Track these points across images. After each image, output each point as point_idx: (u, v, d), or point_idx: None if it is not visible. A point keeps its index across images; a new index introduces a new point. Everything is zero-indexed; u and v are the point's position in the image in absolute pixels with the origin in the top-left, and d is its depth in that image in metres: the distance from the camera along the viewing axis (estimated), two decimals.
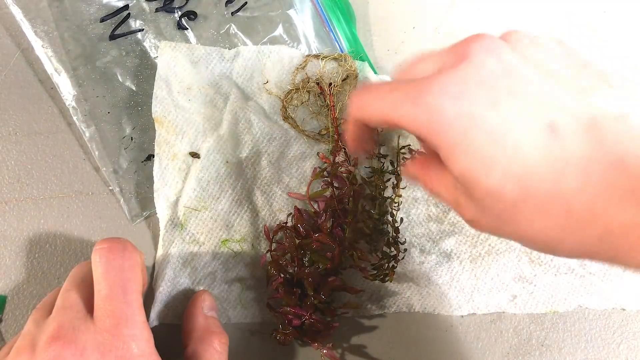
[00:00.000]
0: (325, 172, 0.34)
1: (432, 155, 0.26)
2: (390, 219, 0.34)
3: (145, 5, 0.38)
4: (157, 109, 0.35)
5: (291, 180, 0.36)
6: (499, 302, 0.35)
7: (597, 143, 0.20)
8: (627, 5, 0.40)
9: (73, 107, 0.36)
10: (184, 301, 0.33)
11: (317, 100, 0.36)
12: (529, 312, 0.35)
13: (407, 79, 0.25)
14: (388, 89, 0.24)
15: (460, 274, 0.35)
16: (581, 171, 0.20)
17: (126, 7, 0.37)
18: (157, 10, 0.38)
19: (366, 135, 0.29)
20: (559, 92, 0.21)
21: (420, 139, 0.26)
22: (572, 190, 0.20)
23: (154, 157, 0.35)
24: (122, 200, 0.36)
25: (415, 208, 0.36)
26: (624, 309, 0.35)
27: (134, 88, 0.37)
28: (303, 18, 0.38)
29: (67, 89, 0.36)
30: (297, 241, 0.33)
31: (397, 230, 0.34)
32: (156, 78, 0.36)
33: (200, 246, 0.35)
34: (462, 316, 0.35)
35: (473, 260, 0.35)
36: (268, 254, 0.33)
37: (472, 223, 0.24)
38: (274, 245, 0.33)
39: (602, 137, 0.20)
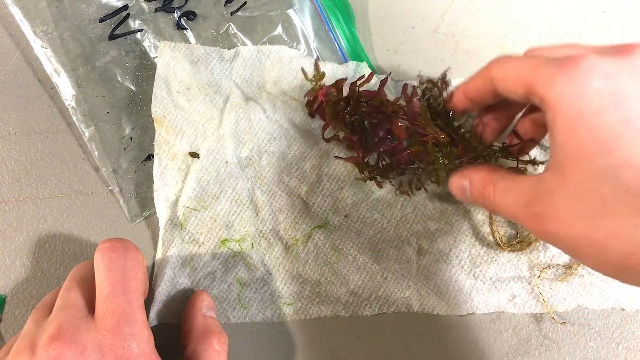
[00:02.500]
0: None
1: (499, 169, 0.26)
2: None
3: (144, 5, 0.38)
4: (156, 109, 0.35)
5: (291, 180, 0.36)
6: (498, 302, 0.35)
7: None
8: (627, 5, 0.40)
9: (72, 107, 0.36)
10: (184, 301, 0.33)
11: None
12: (529, 312, 0.35)
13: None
14: (534, 60, 0.24)
15: (459, 274, 0.35)
16: None
17: (125, 7, 0.37)
18: (156, 10, 0.38)
19: (480, 100, 0.29)
20: None
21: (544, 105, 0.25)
22: None
23: (153, 157, 0.35)
24: (121, 200, 0.36)
25: (412, 206, 0.36)
26: (623, 309, 0.35)
27: (133, 88, 0.37)
28: (302, 18, 0.38)
29: (66, 89, 0.36)
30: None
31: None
32: (156, 78, 0.36)
33: (200, 246, 0.35)
34: (462, 316, 0.35)
35: (472, 259, 0.35)
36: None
37: (541, 218, 0.23)
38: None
39: None
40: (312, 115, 0.36)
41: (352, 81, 0.35)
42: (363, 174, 0.34)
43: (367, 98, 0.34)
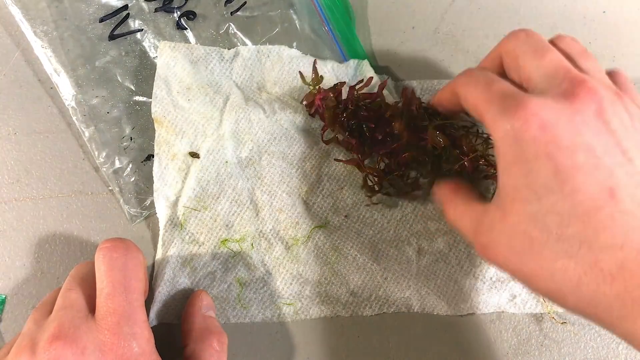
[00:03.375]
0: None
1: (462, 189, 0.28)
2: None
3: (144, 5, 0.38)
4: (156, 109, 0.35)
5: (291, 180, 0.36)
6: (498, 302, 0.35)
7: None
8: (627, 5, 0.40)
9: (72, 107, 0.36)
10: (184, 301, 0.33)
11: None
12: (529, 312, 0.35)
13: (510, 86, 0.26)
14: (485, 85, 0.26)
15: (458, 274, 0.35)
16: (623, 235, 0.21)
17: (125, 7, 0.37)
18: (156, 10, 0.38)
19: (453, 109, 0.31)
20: (635, 165, 0.22)
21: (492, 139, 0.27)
22: (608, 247, 0.21)
23: (153, 157, 0.35)
24: (121, 200, 0.36)
25: (412, 206, 0.36)
26: None
27: (133, 88, 0.37)
28: (302, 18, 0.38)
29: (66, 89, 0.36)
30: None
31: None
32: (155, 78, 0.36)
33: (200, 246, 0.35)
34: (462, 316, 0.35)
35: (471, 259, 0.35)
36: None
37: (488, 247, 0.25)
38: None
39: None
40: (312, 115, 0.36)
41: (351, 84, 0.35)
42: (367, 181, 0.34)
43: (366, 102, 0.34)
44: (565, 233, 0.22)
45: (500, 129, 0.24)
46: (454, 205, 0.29)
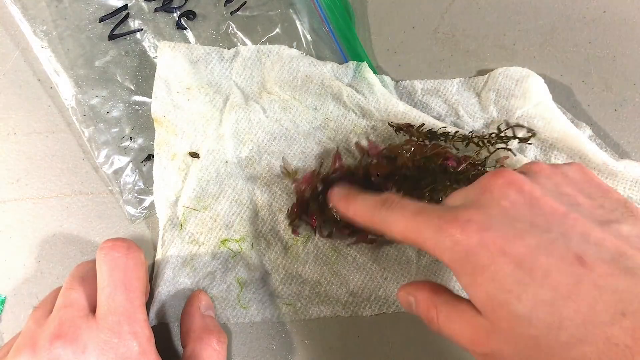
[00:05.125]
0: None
1: (440, 293, 0.26)
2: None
3: (144, 5, 0.37)
4: (156, 109, 0.35)
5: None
6: None
7: (630, 275, 0.20)
8: (627, 5, 0.40)
9: (72, 107, 0.36)
10: (183, 301, 0.33)
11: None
12: None
13: (442, 206, 0.25)
14: (414, 212, 0.25)
15: None
16: (618, 302, 0.19)
17: (125, 7, 0.37)
18: (156, 10, 0.38)
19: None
20: (583, 222, 0.22)
21: (443, 263, 0.26)
22: (610, 319, 0.19)
23: (153, 157, 0.35)
24: (121, 200, 0.36)
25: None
26: None
27: (133, 88, 0.37)
28: (302, 18, 0.38)
29: (66, 89, 0.36)
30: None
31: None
32: (155, 78, 0.36)
33: (200, 246, 0.35)
34: None
35: None
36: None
37: (492, 357, 0.22)
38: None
39: (634, 269, 0.20)
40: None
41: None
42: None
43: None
44: (563, 319, 0.20)
45: (443, 247, 0.23)
46: (437, 309, 0.25)
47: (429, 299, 0.26)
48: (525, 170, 0.26)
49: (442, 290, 0.26)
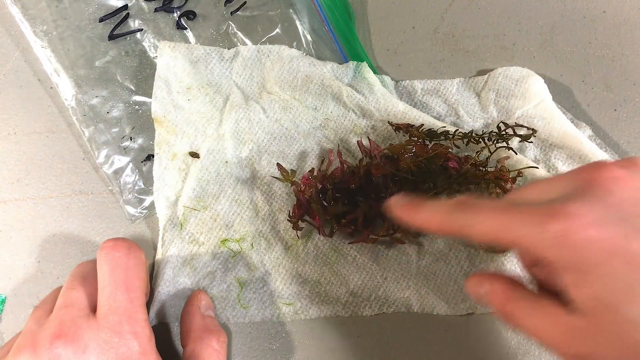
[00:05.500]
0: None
1: (517, 287, 0.25)
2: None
3: (144, 5, 0.38)
4: (156, 109, 0.35)
5: None
6: None
7: None
8: (627, 5, 0.40)
9: (72, 107, 0.36)
10: (184, 301, 0.33)
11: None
12: None
13: (523, 201, 0.24)
14: (502, 209, 0.23)
15: (458, 274, 0.35)
16: None
17: (125, 7, 0.37)
18: (156, 10, 0.38)
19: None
20: None
21: (537, 261, 0.25)
22: None
23: (153, 157, 0.35)
24: (121, 200, 0.36)
25: None
26: None
27: (133, 88, 0.37)
28: (302, 18, 0.38)
29: (66, 89, 0.36)
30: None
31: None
32: (155, 78, 0.36)
33: (200, 246, 0.35)
34: (461, 316, 0.35)
35: (471, 259, 0.35)
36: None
37: (585, 359, 0.22)
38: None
39: None
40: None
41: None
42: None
43: (337, 179, 0.34)
44: None
45: (547, 242, 0.21)
46: (516, 304, 0.24)
47: (505, 292, 0.25)
48: (626, 166, 0.24)
49: (519, 284, 0.25)
